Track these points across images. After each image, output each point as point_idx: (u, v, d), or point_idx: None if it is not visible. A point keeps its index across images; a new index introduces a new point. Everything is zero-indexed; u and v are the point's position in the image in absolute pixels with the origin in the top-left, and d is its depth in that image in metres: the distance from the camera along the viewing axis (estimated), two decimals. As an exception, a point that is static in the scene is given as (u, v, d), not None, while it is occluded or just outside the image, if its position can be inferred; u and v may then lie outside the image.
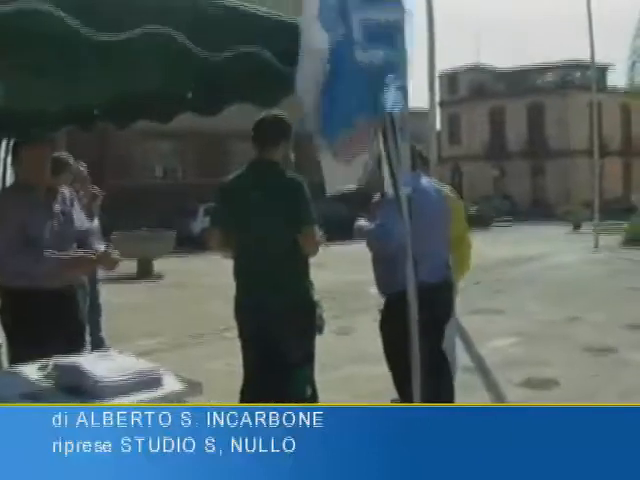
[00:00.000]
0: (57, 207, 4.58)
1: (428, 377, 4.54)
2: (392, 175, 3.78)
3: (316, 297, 4.61)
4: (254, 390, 4.54)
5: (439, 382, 4.99)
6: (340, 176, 3.83)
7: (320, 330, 4.69)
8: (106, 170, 30.55)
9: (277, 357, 4.27)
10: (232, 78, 3.54)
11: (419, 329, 4.01)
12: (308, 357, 4.51)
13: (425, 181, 4.99)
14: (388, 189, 3.94)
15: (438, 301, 4.83)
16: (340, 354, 7.23)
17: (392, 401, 5.93)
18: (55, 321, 4.40)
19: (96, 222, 5.12)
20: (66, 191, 4.73)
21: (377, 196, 4.81)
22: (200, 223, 30.85)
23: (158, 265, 18.63)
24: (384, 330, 4.95)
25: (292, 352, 4.23)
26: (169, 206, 31.14)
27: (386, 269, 4.40)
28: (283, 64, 3.36)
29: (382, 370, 6.87)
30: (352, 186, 3.91)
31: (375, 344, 8.13)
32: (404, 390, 4.21)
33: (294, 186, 4.19)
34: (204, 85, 3.95)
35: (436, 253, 4.79)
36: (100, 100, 4.39)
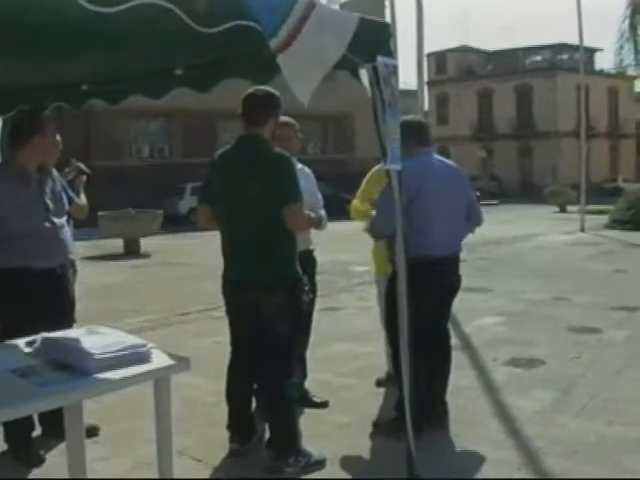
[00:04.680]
0: (48, 187, 4.60)
1: (428, 352, 4.56)
2: (382, 151, 3.76)
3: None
4: (241, 369, 4.57)
5: (439, 360, 5.01)
6: None
7: (308, 307, 4.65)
8: (92, 150, 30.42)
9: (263, 336, 4.29)
10: (226, 53, 3.49)
11: (424, 304, 4.01)
12: (295, 335, 4.50)
13: (436, 158, 5.01)
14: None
15: (444, 275, 4.86)
16: (326, 332, 7.26)
17: (378, 380, 5.98)
18: (45, 299, 4.43)
19: (83, 198, 5.11)
20: (52, 169, 4.74)
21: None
22: (187, 202, 30.83)
23: (145, 244, 18.62)
24: (389, 299, 4.93)
25: (278, 330, 4.24)
26: (156, 185, 31.04)
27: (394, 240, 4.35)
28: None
29: (367, 348, 6.94)
30: None
31: (361, 322, 8.22)
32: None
33: (280, 162, 4.18)
34: (198, 60, 3.90)
35: (446, 228, 4.78)
36: (90, 76, 4.34)
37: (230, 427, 4.65)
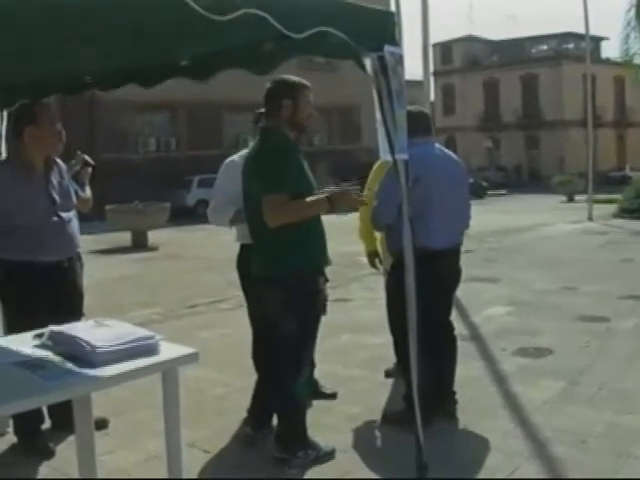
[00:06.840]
0: (55, 180, 4.60)
1: (432, 345, 4.53)
2: (389, 142, 3.73)
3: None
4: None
5: (444, 352, 4.99)
6: None
7: (323, 309, 4.45)
8: (97, 142, 30.41)
9: (268, 332, 4.31)
10: (235, 42, 3.41)
11: (424, 298, 3.97)
12: (303, 333, 4.40)
13: (438, 148, 4.98)
14: (385, 155, 3.91)
15: (444, 268, 4.81)
16: (335, 323, 7.25)
17: (386, 371, 5.97)
18: (53, 292, 4.44)
19: (88, 191, 5.09)
20: (60, 162, 4.74)
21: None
22: (194, 195, 30.84)
23: (153, 237, 18.64)
24: (390, 289, 4.91)
25: (281, 327, 4.18)
26: (162, 178, 31.03)
27: (395, 228, 4.31)
28: (283, 27, 3.20)
29: (376, 339, 6.92)
30: None
31: (369, 313, 8.21)
32: (404, 355, 4.20)
33: (260, 154, 4.14)
34: (206, 49, 3.84)
35: (445, 218, 4.74)
36: (94, 67, 4.30)
37: (249, 411, 4.78)
